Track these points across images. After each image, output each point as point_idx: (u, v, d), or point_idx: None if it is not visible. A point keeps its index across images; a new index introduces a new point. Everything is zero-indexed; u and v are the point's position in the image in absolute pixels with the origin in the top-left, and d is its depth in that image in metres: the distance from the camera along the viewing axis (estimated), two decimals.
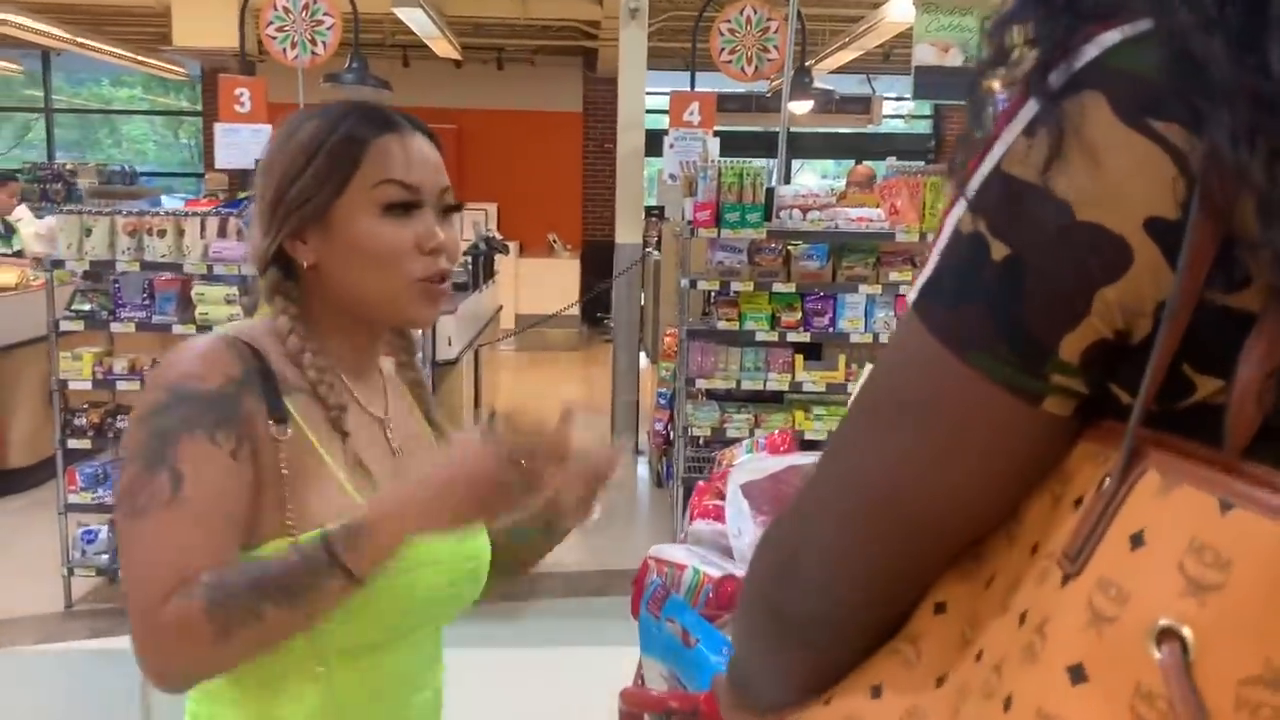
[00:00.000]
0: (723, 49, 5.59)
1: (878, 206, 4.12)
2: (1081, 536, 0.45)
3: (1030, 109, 0.47)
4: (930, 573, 0.54)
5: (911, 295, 0.51)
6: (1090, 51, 0.45)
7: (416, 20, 7.39)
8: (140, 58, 10.68)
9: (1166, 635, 0.40)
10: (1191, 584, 0.40)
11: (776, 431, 3.17)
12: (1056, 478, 0.49)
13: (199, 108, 12.57)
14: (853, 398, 0.58)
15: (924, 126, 12.66)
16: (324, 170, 1.02)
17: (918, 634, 0.55)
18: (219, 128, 4.93)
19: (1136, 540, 0.42)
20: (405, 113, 1.09)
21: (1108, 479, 0.45)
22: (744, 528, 1.49)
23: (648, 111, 6.24)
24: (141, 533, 0.90)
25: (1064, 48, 0.46)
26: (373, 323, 1.10)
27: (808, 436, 3.95)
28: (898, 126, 13.13)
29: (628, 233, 6.07)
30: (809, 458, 1.44)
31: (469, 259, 6.80)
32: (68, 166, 10.43)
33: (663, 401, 5.30)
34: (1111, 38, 0.45)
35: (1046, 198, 0.45)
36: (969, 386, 0.48)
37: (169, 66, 11.54)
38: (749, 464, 1.80)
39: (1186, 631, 0.40)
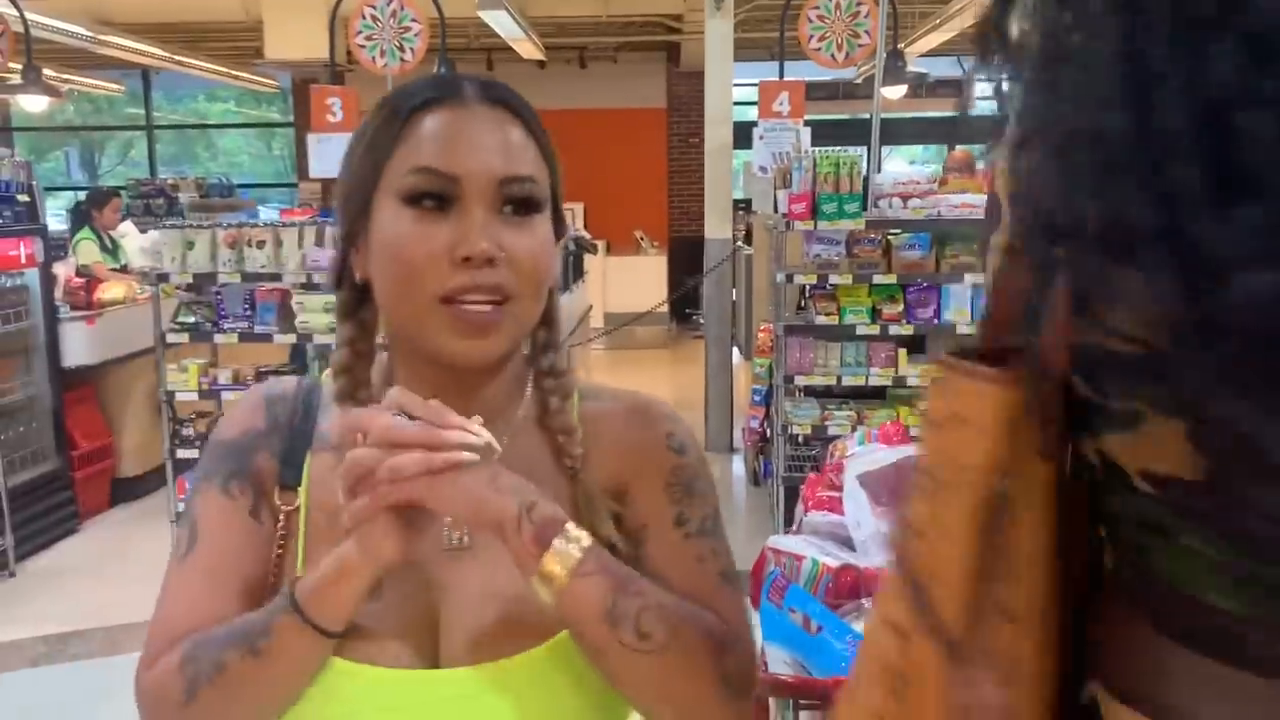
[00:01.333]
0: (811, 36, 5.46)
1: (981, 192, 3.96)
2: None
3: None
4: None
5: None
6: None
7: (500, 22, 7.41)
8: (234, 72, 10.98)
9: None
10: None
11: (888, 423, 3.07)
12: None
13: (290, 119, 12.88)
14: None
15: None
16: (361, 158, 0.81)
17: None
18: (312, 137, 4.99)
19: None
20: (492, 80, 0.83)
21: None
22: (863, 519, 1.43)
23: (734, 104, 6.14)
24: (163, 588, 0.86)
25: None
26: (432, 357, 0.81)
27: (914, 432, 3.81)
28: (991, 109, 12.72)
29: (717, 227, 5.98)
30: (890, 452, 1.36)
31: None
32: (169, 181, 10.79)
33: (757, 398, 5.21)
34: None
35: None
36: None
37: (260, 79, 11.84)
38: (864, 455, 1.74)
39: None
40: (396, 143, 0.79)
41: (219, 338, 3.88)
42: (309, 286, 3.73)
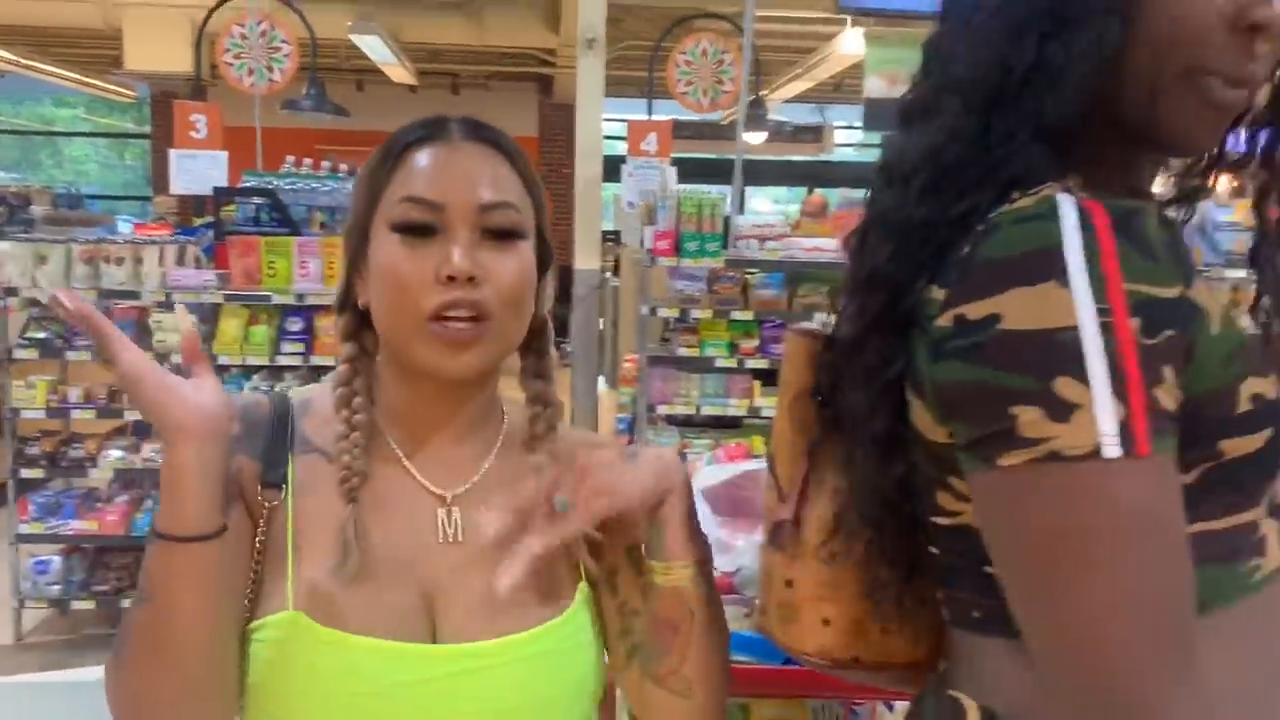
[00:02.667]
0: (679, 80, 5.69)
1: (831, 236, 4.21)
2: None
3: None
4: None
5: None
6: None
7: (373, 47, 7.41)
8: (89, 80, 10.56)
9: None
10: None
11: (733, 444, 3.26)
12: None
13: (146, 130, 12.44)
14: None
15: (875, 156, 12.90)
16: (362, 187, 0.90)
17: None
18: (174, 154, 4.88)
19: None
20: (477, 120, 0.92)
21: None
22: (705, 528, 1.56)
23: (605, 137, 6.30)
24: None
25: None
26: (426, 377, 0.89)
27: (757, 455, 4.01)
28: (850, 155, 13.38)
29: (586, 259, 6.10)
30: (758, 464, 1.53)
31: None
32: (11, 190, 10.24)
33: (622, 426, 5.33)
34: None
35: None
36: None
37: (117, 89, 11.41)
38: (709, 472, 1.89)
39: None
40: (389, 177, 0.87)
41: (70, 355, 3.76)
42: (168, 305, 3.67)
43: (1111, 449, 0.66)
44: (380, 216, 0.87)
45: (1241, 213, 4.26)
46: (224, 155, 4.78)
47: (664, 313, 4.22)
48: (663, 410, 4.24)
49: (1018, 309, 0.68)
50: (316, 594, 0.84)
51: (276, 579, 0.86)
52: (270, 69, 5.28)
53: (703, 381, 4.22)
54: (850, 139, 12.98)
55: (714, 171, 9.13)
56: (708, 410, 4.21)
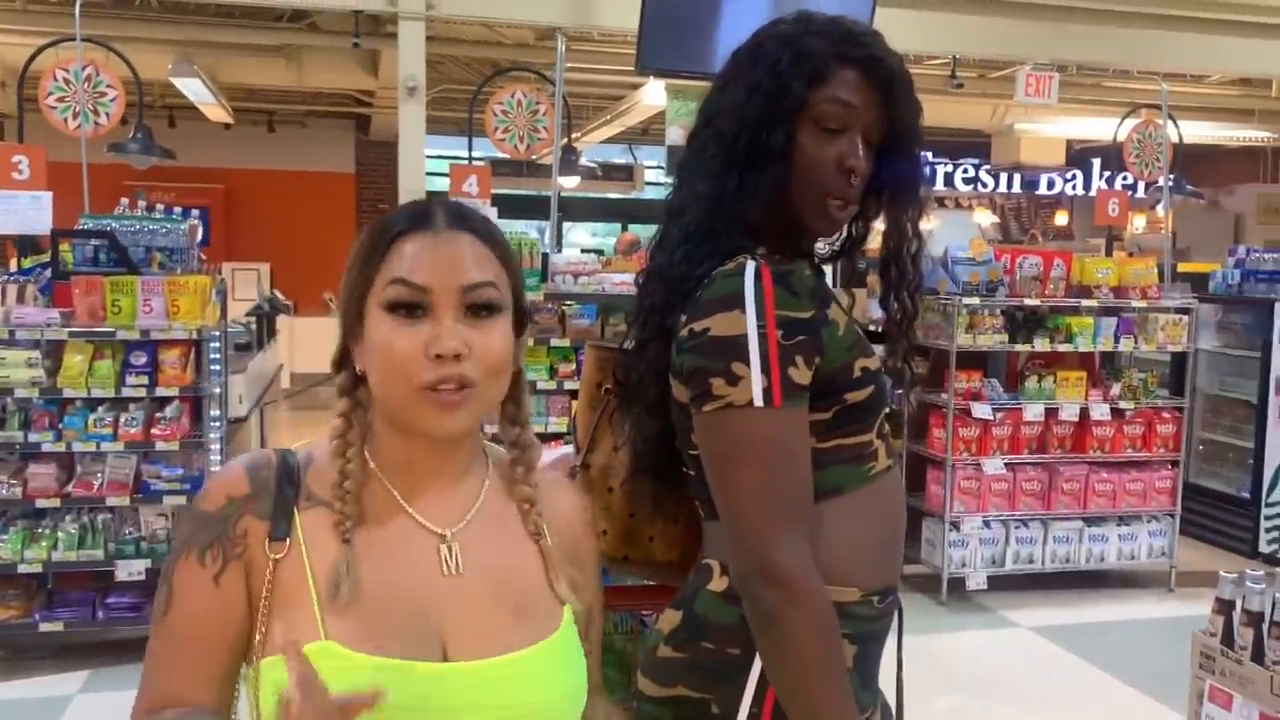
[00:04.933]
0: (496, 128, 6.11)
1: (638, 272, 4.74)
2: None
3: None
4: None
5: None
6: None
7: (192, 89, 7.49)
8: None
9: None
10: None
11: (557, 442, 3.73)
12: None
13: None
14: None
15: None
16: (356, 269, 1.00)
17: None
18: None
19: None
20: (460, 206, 1.03)
21: None
22: None
23: (426, 174, 6.65)
24: (149, 641, 1.01)
25: None
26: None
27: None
28: (660, 193, 14.17)
29: None
30: (567, 449, 1.97)
31: (251, 320, 6.94)
32: None
33: None
34: None
35: None
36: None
37: None
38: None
39: None
40: (381, 262, 0.98)
41: None
42: (11, 342, 3.80)
43: (759, 401, 1.18)
44: (373, 296, 0.98)
45: (975, 250, 5.09)
46: (48, 196, 4.83)
47: None
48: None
49: (719, 324, 1.20)
50: (343, 625, 0.95)
51: (303, 615, 0.96)
52: (96, 113, 5.35)
53: None
54: (659, 178, 13.77)
55: (533, 207, 9.63)
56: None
